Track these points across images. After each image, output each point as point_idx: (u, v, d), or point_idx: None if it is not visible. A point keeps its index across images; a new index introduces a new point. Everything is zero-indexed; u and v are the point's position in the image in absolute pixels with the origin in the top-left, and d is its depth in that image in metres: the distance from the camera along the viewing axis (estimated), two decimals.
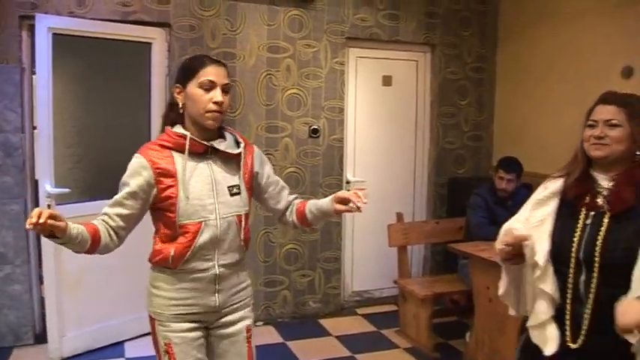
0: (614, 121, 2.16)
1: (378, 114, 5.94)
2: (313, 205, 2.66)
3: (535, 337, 2.26)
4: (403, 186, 6.10)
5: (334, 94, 5.55)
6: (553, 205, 2.29)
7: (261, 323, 5.41)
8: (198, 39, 5.01)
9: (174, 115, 2.47)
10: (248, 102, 5.23)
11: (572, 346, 2.16)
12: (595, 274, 2.10)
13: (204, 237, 2.38)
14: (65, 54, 4.43)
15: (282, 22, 5.30)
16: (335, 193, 2.56)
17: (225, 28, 5.10)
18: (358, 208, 2.46)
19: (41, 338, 4.63)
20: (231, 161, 2.51)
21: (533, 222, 2.29)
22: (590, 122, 2.22)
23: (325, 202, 2.60)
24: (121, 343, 4.78)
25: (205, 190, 2.40)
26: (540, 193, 2.35)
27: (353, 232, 5.92)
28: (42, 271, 4.46)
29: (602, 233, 2.12)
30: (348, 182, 5.79)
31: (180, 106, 2.42)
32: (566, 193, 2.26)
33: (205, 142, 2.41)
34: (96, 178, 4.67)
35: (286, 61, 5.35)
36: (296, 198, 2.79)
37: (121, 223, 2.35)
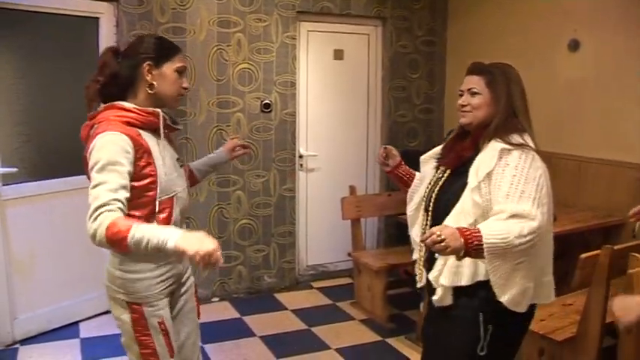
0: (474, 89, 2.39)
1: (330, 88, 5.94)
2: (200, 164, 2.95)
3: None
4: (356, 159, 6.14)
5: (286, 68, 5.53)
6: (432, 163, 2.61)
7: (217, 299, 5.42)
8: (147, 14, 4.92)
9: (115, 89, 2.38)
10: (199, 77, 5.18)
11: (419, 284, 2.57)
12: (429, 220, 2.44)
13: (176, 210, 2.43)
14: (8, 30, 4.30)
15: None
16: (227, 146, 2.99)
17: (175, 2, 5.02)
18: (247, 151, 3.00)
19: None
20: (169, 136, 2.57)
21: (418, 177, 2.74)
22: (459, 92, 2.47)
23: (218, 156, 2.96)
24: (75, 323, 4.73)
25: (171, 165, 2.46)
26: (426, 154, 2.69)
27: (307, 206, 5.93)
28: None
29: (438, 185, 2.45)
30: (300, 156, 5.80)
31: (149, 84, 2.37)
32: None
33: (167, 120, 2.45)
34: (44, 157, 4.56)
35: (237, 36, 5.29)
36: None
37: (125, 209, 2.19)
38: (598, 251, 3.08)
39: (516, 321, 2.30)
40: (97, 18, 4.76)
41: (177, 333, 2.58)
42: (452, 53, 6.27)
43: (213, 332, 4.70)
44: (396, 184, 2.92)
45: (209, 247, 1.93)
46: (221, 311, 5.18)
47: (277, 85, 5.50)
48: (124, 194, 2.16)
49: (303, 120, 5.81)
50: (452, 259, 2.20)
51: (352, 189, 5.40)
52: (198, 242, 1.94)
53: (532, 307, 2.34)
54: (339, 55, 5.94)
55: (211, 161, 2.95)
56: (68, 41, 4.69)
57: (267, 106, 5.45)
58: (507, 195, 2.15)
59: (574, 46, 4.81)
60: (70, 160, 4.53)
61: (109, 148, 2.18)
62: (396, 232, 6.08)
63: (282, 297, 5.55)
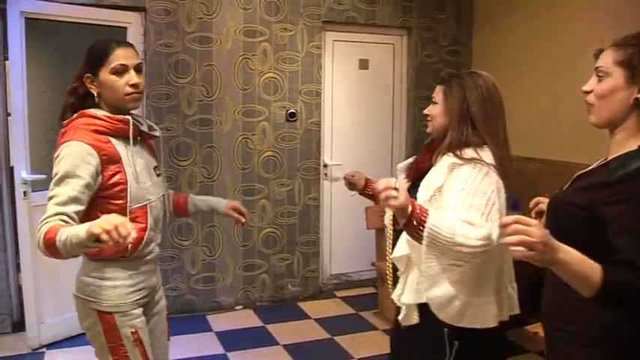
0: (434, 99, 2.40)
1: (354, 97, 5.95)
2: (200, 200, 2.88)
3: None
4: (380, 169, 6.11)
5: (311, 77, 5.55)
6: (404, 173, 2.59)
7: (240, 307, 5.43)
8: (174, 23, 4.98)
9: (73, 100, 2.37)
10: (225, 86, 5.22)
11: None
12: (393, 233, 2.45)
13: (150, 219, 2.40)
14: (39, 39, 4.38)
15: (258, 5, 5.27)
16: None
17: (201, 12, 5.07)
18: (242, 224, 2.87)
19: (19, 326, 4.60)
20: (147, 144, 2.54)
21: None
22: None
23: (219, 204, 2.86)
24: None
25: (144, 173, 2.41)
26: (402, 163, 2.68)
27: (331, 215, 5.94)
28: (19, 258, 4.43)
29: None
30: (325, 166, 5.81)
31: (96, 95, 2.34)
32: None
33: (140, 127, 2.42)
34: None
35: (263, 45, 5.33)
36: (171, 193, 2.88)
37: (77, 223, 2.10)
38: None
39: (486, 337, 2.20)
40: (125, 28, 4.82)
41: None
42: (477, 63, 6.24)
43: (236, 340, 4.71)
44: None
45: (115, 221, 1.83)
46: (244, 319, 5.20)
47: (302, 95, 5.52)
48: (75, 207, 2.12)
49: (328, 129, 5.83)
50: (412, 277, 2.23)
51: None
52: (105, 222, 1.83)
53: (501, 329, 2.24)
54: (364, 64, 5.95)
55: (211, 203, 2.88)
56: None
57: (292, 115, 5.48)
58: (454, 208, 2.08)
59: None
60: None
61: (69, 159, 2.16)
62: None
63: (305, 306, 5.55)
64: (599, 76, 1.86)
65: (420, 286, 2.18)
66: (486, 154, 2.18)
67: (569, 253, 1.63)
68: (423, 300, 2.20)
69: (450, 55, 6.19)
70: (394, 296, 2.37)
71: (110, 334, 2.34)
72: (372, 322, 5.15)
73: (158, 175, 2.53)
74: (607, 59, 1.83)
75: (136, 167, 2.35)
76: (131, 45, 2.41)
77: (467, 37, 6.26)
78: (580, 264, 1.64)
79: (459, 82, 2.29)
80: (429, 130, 2.45)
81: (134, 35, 4.86)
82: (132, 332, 2.35)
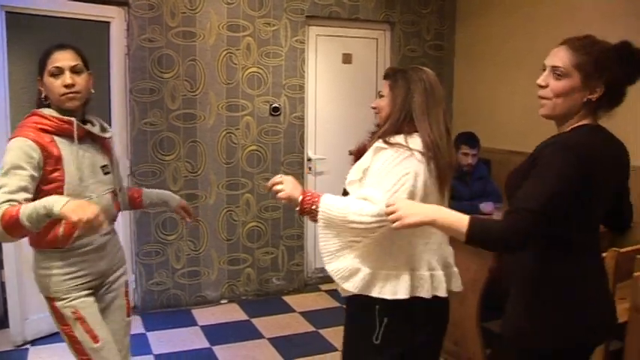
0: (381, 92, 2.56)
1: (338, 92, 5.97)
2: (155, 194, 3.11)
3: None
4: None
5: (294, 72, 5.56)
6: None
7: (225, 301, 5.45)
8: (158, 18, 4.97)
9: (37, 100, 2.60)
10: (208, 81, 5.22)
11: None
12: None
13: None
14: (20, 34, 4.35)
15: (241, 0, 5.27)
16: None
17: (185, 6, 5.07)
18: (187, 221, 3.17)
19: (3, 323, 4.58)
20: (99, 144, 2.69)
21: None
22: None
23: (172, 199, 3.10)
24: None
25: (87, 171, 2.56)
26: None
27: None
28: (2, 255, 4.41)
29: None
30: (309, 160, 5.83)
31: (43, 97, 2.54)
32: None
33: (85, 127, 2.56)
34: None
35: (246, 40, 5.33)
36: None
37: None
38: (604, 254, 3.09)
39: (417, 315, 2.35)
40: (108, 22, 4.81)
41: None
42: (460, 57, 6.28)
43: (222, 334, 4.73)
44: None
45: (90, 214, 2.11)
46: (229, 313, 5.22)
47: (286, 89, 5.53)
48: (24, 195, 2.31)
49: (312, 123, 5.84)
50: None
51: None
52: (81, 210, 2.12)
53: (433, 305, 2.37)
54: (347, 59, 5.97)
55: (164, 197, 3.10)
56: (80, 45, 4.72)
57: (275, 109, 5.49)
58: (368, 185, 2.30)
59: None
60: None
61: (14, 152, 2.36)
62: None
63: (290, 299, 5.58)
64: (556, 74, 2.05)
65: (323, 260, 2.34)
66: (414, 141, 2.33)
67: (438, 211, 2.03)
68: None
69: (433, 49, 6.22)
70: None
71: (57, 317, 2.59)
72: None
73: (106, 173, 2.69)
74: (565, 60, 2.03)
75: (79, 165, 2.51)
76: (71, 48, 2.61)
77: (450, 32, 6.29)
78: (449, 217, 1.99)
79: (404, 76, 2.45)
80: (376, 120, 2.61)
81: (117, 30, 4.85)
82: (72, 312, 2.55)
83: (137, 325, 4.84)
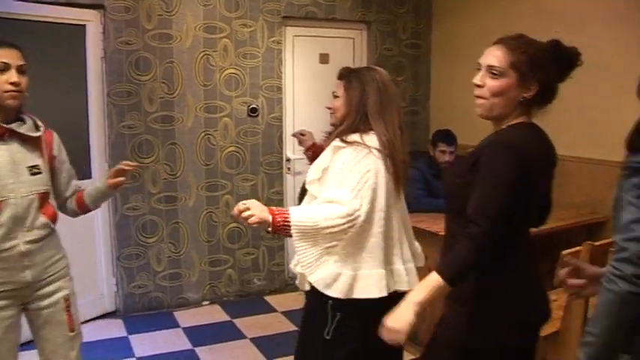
0: (335, 93, 2.63)
1: (315, 92, 5.99)
2: (92, 188, 2.92)
3: None
4: None
5: (272, 73, 5.58)
6: None
7: (207, 302, 5.46)
8: (134, 20, 4.96)
9: None
10: (186, 83, 5.22)
11: None
12: None
13: (5, 215, 2.46)
14: None
15: (217, 2, 5.28)
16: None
17: (161, 8, 5.06)
18: (130, 171, 2.82)
19: None
20: (29, 143, 2.59)
21: None
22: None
23: (102, 182, 2.89)
24: None
25: (5, 171, 2.47)
26: None
27: None
28: None
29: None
30: (288, 160, 5.85)
31: None
32: None
33: (5, 126, 2.50)
34: None
35: (223, 41, 5.34)
36: (80, 188, 2.92)
37: None
38: (579, 247, 3.14)
39: (369, 312, 2.30)
40: (84, 26, 4.79)
41: (42, 348, 2.70)
42: (437, 55, 6.34)
43: (204, 335, 4.74)
44: None
45: None
46: (211, 314, 5.22)
47: (264, 90, 5.55)
48: None
49: (290, 124, 5.86)
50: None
51: None
52: None
53: (390, 301, 2.32)
54: (324, 59, 6.00)
55: (99, 185, 2.93)
56: (55, 49, 4.72)
57: (253, 110, 5.50)
58: (330, 185, 2.33)
59: None
60: None
61: None
62: None
63: (271, 299, 5.60)
64: (493, 74, 2.08)
65: (305, 272, 2.38)
66: (370, 139, 2.40)
67: (416, 296, 1.95)
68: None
69: (410, 48, 6.27)
70: (291, 265, 2.56)
71: None
72: None
73: (35, 174, 2.59)
74: (502, 60, 2.07)
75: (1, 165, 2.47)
76: (17, 47, 2.55)
77: (426, 31, 6.34)
78: (425, 287, 1.95)
79: (358, 76, 2.52)
80: (331, 120, 2.69)
81: (93, 33, 4.84)
82: None
83: (119, 329, 4.85)
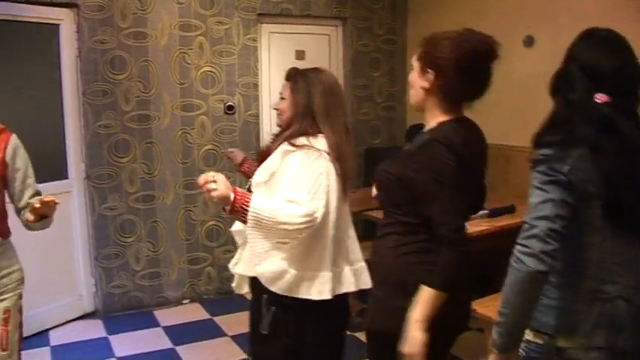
0: (282, 95, 2.63)
1: None
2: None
3: None
4: None
5: (248, 70, 5.58)
6: None
7: (187, 301, 5.45)
8: (108, 19, 4.93)
9: None
10: (162, 81, 5.20)
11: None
12: None
13: None
14: None
15: None
16: None
17: (135, 7, 5.04)
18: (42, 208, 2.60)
19: None
20: None
21: None
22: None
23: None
24: (45, 331, 4.71)
25: None
26: None
27: None
28: None
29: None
30: None
31: None
32: None
33: None
34: None
35: (199, 39, 5.33)
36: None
37: None
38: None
39: (305, 310, 2.38)
40: (58, 25, 4.76)
41: None
42: (413, 51, 6.32)
43: (184, 334, 4.74)
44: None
45: None
46: (192, 313, 5.22)
47: (240, 87, 5.55)
48: None
49: (267, 121, 5.86)
50: (248, 250, 2.37)
51: None
52: None
53: (328, 301, 2.39)
54: (300, 55, 6.00)
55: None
56: (29, 48, 4.68)
57: (230, 108, 5.50)
58: (286, 188, 2.29)
59: (529, 42, 4.95)
60: (38, 166, 4.53)
61: None
62: (361, 228, 6.14)
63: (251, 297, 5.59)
64: (412, 69, 2.26)
65: (251, 262, 2.34)
66: (319, 142, 2.38)
67: (417, 313, 2.01)
68: (252, 274, 2.40)
69: (386, 44, 6.30)
70: (230, 265, 2.56)
71: None
72: None
73: None
74: (414, 55, 2.26)
75: None
76: None
77: (402, 26, 6.38)
78: (422, 300, 2.02)
79: (304, 78, 2.49)
80: (277, 122, 2.70)
81: (67, 32, 4.80)
82: None
83: (98, 329, 4.83)
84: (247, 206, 2.20)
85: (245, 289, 2.51)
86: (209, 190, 2.18)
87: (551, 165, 1.73)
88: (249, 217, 2.20)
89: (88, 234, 5.05)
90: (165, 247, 5.35)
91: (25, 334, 4.53)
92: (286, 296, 2.33)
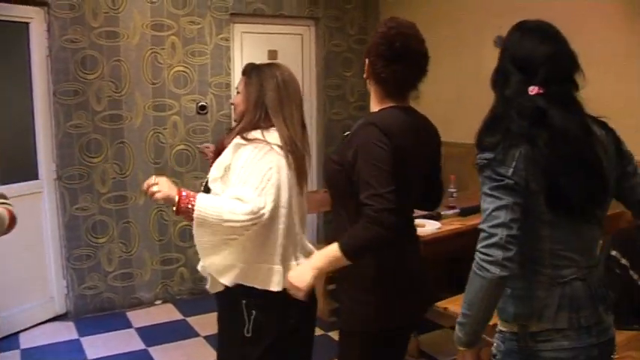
0: (237, 89, 2.71)
1: None
2: None
3: None
4: None
5: (220, 70, 5.57)
6: None
7: (160, 302, 5.43)
8: (79, 18, 4.89)
9: None
10: (134, 81, 5.17)
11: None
12: None
13: None
14: None
15: None
16: None
17: (107, 6, 5.00)
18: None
19: None
20: None
21: None
22: None
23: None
24: (15, 334, 4.66)
25: None
26: None
27: None
28: None
29: None
30: None
31: None
32: None
33: None
34: None
35: (171, 39, 5.31)
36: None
37: None
38: None
39: (281, 307, 2.43)
40: (27, 23, 4.71)
41: None
42: None
43: (157, 335, 4.72)
44: None
45: None
46: (164, 313, 5.20)
47: (212, 87, 5.54)
48: None
49: None
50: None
51: None
52: None
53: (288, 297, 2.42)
54: (273, 55, 6.01)
55: None
56: None
57: (202, 108, 5.49)
58: (234, 184, 2.33)
59: (499, 42, 5.00)
60: (8, 166, 4.50)
61: None
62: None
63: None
64: None
65: (200, 255, 2.42)
66: (271, 135, 2.40)
67: (316, 261, 2.17)
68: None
69: (358, 43, 6.32)
70: (199, 267, 2.57)
71: None
72: None
73: None
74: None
75: None
76: None
77: (373, 26, 6.39)
78: (326, 256, 2.15)
79: (257, 73, 2.52)
80: (234, 116, 2.76)
81: (37, 31, 4.75)
82: None
83: (70, 331, 4.79)
84: (193, 205, 2.27)
85: (219, 288, 2.51)
86: (152, 193, 2.29)
87: (495, 169, 1.75)
88: (195, 216, 2.27)
89: (59, 235, 5.00)
90: (138, 247, 5.32)
91: None
92: (260, 296, 2.37)
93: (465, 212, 4.39)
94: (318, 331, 4.72)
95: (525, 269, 1.83)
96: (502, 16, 4.95)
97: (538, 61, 1.81)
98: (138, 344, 4.57)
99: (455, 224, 4.19)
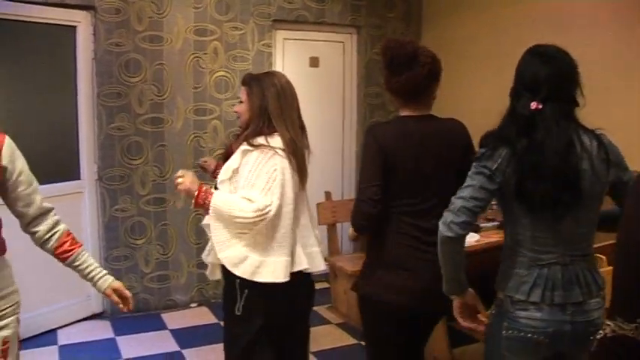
0: (240, 99, 2.82)
1: (305, 95, 5.90)
2: (85, 263, 2.55)
3: None
4: (332, 165, 6.21)
5: None
6: None
7: (195, 304, 5.46)
8: (125, 22, 4.97)
9: None
10: (176, 85, 5.23)
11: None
12: None
13: None
14: None
15: (208, 4, 5.29)
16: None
17: (152, 10, 5.07)
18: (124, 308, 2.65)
19: None
20: None
21: None
22: None
23: (101, 281, 2.60)
24: (53, 330, 4.74)
25: None
26: None
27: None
28: None
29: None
30: None
31: None
32: None
33: None
34: None
35: (213, 44, 5.35)
36: (59, 221, 2.44)
37: None
38: None
39: (273, 292, 2.60)
40: (75, 27, 4.80)
41: None
42: None
43: (192, 337, 4.74)
44: None
45: None
46: (199, 316, 5.23)
47: None
48: None
49: None
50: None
51: (328, 194, 5.47)
52: None
53: (292, 281, 2.64)
54: (314, 62, 6.02)
55: (94, 276, 2.60)
56: (45, 50, 4.72)
57: None
58: (243, 187, 2.58)
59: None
60: (51, 166, 4.57)
61: None
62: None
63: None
64: None
65: (216, 249, 2.60)
66: (275, 140, 2.63)
67: None
68: (219, 262, 2.66)
69: None
70: (203, 255, 2.87)
71: None
72: (325, 317, 5.23)
73: None
74: None
75: None
76: None
77: (416, 35, 6.37)
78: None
79: (258, 83, 2.73)
80: (239, 124, 2.94)
81: (83, 34, 4.84)
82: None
83: (106, 330, 4.85)
84: (209, 201, 2.54)
85: (217, 276, 2.79)
86: (176, 185, 2.62)
87: (483, 162, 2.10)
88: (210, 210, 2.55)
89: (99, 235, 5.07)
90: (175, 250, 5.36)
91: (33, 333, 4.61)
92: (262, 283, 2.57)
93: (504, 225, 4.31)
94: (352, 341, 4.72)
95: (512, 250, 2.18)
96: (548, 28, 4.91)
97: (540, 81, 2.11)
98: (172, 345, 4.60)
99: (494, 237, 4.11)
